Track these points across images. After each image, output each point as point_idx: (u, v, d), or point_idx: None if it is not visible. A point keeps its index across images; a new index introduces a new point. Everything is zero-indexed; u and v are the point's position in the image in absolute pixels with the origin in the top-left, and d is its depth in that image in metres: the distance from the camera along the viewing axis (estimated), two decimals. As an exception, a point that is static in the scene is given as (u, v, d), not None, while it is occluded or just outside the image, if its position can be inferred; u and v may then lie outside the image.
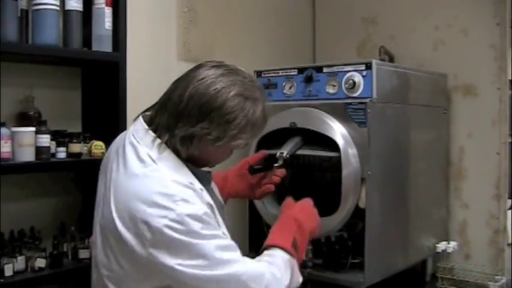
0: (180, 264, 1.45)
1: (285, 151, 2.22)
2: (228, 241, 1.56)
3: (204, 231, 1.47)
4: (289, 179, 2.19)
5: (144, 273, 1.50)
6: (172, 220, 1.43)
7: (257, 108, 1.60)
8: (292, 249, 1.70)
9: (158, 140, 1.56)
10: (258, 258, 1.67)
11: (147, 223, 1.44)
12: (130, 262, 1.50)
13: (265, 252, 1.70)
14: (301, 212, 1.85)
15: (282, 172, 2.09)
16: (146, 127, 1.60)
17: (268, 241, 1.73)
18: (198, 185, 1.56)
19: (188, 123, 1.53)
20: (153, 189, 1.47)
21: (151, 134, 1.58)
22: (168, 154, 1.56)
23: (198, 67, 1.63)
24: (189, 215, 1.45)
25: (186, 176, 1.56)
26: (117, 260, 1.52)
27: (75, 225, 2.19)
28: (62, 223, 2.20)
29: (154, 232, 1.43)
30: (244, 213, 2.62)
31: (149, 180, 1.49)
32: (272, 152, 2.26)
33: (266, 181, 2.06)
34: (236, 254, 1.55)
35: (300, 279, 1.74)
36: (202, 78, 1.56)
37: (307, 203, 1.92)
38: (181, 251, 1.45)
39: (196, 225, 1.45)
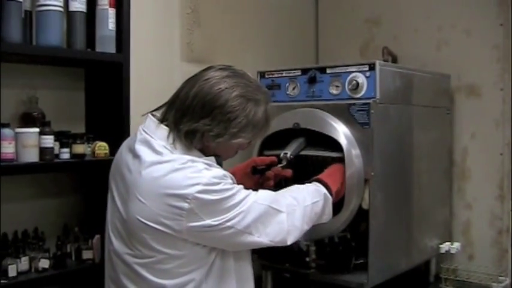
0: (216, 220, 1.58)
1: (288, 152, 2.23)
2: (248, 190, 1.70)
3: (229, 186, 1.62)
4: (292, 179, 2.19)
5: (182, 249, 1.60)
6: (205, 184, 1.56)
7: (259, 109, 1.70)
8: (334, 192, 1.99)
9: (171, 133, 1.65)
10: None
11: (181, 196, 1.55)
12: (166, 245, 1.59)
13: (307, 184, 1.96)
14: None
15: (287, 172, 2.17)
16: (157, 122, 1.69)
17: (320, 177, 2.03)
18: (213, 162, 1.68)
19: (192, 119, 1.63)
20: (176, 167, 1.58)
21: (164, 127, 1.67)
22: (181, 145, 1.65)
23: (206, 69, 1.73)
24: (215, 177, 1.59)
25: (201, 158, 1.66)
26: (151, 248, 1.60)
27: (79, 226, 2.20)
28: (66, 224, 2.21)
29: (191, 200, 1.55)
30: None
31: (170, 164, 1.60)
32: (276, 152, 2.27)
33: (265, 178, 2.15)
34: (255, 192, 1.71)
35: (330, 216, 1.98)
36: (208, 79, 1.67)
37: None
38: (217, 209, 1.59)
39: (222, 183, 1.60)
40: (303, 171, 2.19)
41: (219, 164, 1.71)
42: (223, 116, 1.63)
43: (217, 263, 1.68)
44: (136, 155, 1.65)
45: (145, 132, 1.68)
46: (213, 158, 1.68)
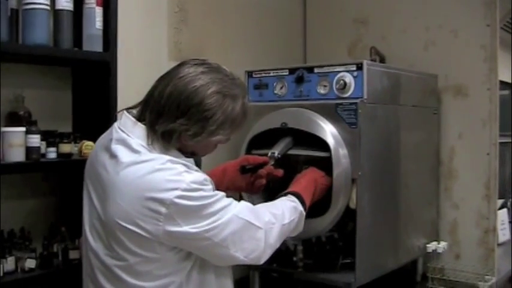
0: (194, 228, 1.54)
1: (276, 151, 2.23)
2: (229, 199, 1.66)
3: (209, 193, 1.59)
4: (279, 179, 2.19)
5: (159, 252, 1.57)
6: (183, 190, 1.52)
7: (236, 104, 1.65)
8: (307, 206, 1.94)
9: (149, 134, 1.61)
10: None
11: (159, 200, 1.51)
12: (143, 247, 1.56)
13: (282, 197, 1.92)
14: (321, 178, 2.14)
15: (278, 171, 2.17)
16: (134, 120, 1.65)
17: (298, 190, 1.97)
18: (192, 165, 1.65)
19: (168, 119, 1.59)
20: (155, 168, 1.54)
21: (142, 126, 1.63)
22: (159, 145, 1.61)
23: (180, 65, 1.68)
24: (194, 182, 1.55)
25: (180, 159, 1.62)
26: (128, 250, 1.57)
27: (66, 226, 2.18)
28: (52, 223, 2.19)
29: (169, 205, 1.51)
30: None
31: (148, 164, 1.56)
32: (263, 152, 2.27)
33: (257, 176, 2.13)
34: (236, 203, 1.67)
35: (301, 230, 1.94)
36: (182, 76, 1.62)
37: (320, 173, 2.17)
38: (194, 216, 1.55)
39: (202, 190, 1.56)
40: (290, 171, 2.19)
41: (198, 163, 1.69)
42: (200, 115, 1.58)
43: (197, 265, 1.65)
44: (113, 155, 1.61)
45: (122, 131, 1.64)
46: (192, 160, 1.65)
